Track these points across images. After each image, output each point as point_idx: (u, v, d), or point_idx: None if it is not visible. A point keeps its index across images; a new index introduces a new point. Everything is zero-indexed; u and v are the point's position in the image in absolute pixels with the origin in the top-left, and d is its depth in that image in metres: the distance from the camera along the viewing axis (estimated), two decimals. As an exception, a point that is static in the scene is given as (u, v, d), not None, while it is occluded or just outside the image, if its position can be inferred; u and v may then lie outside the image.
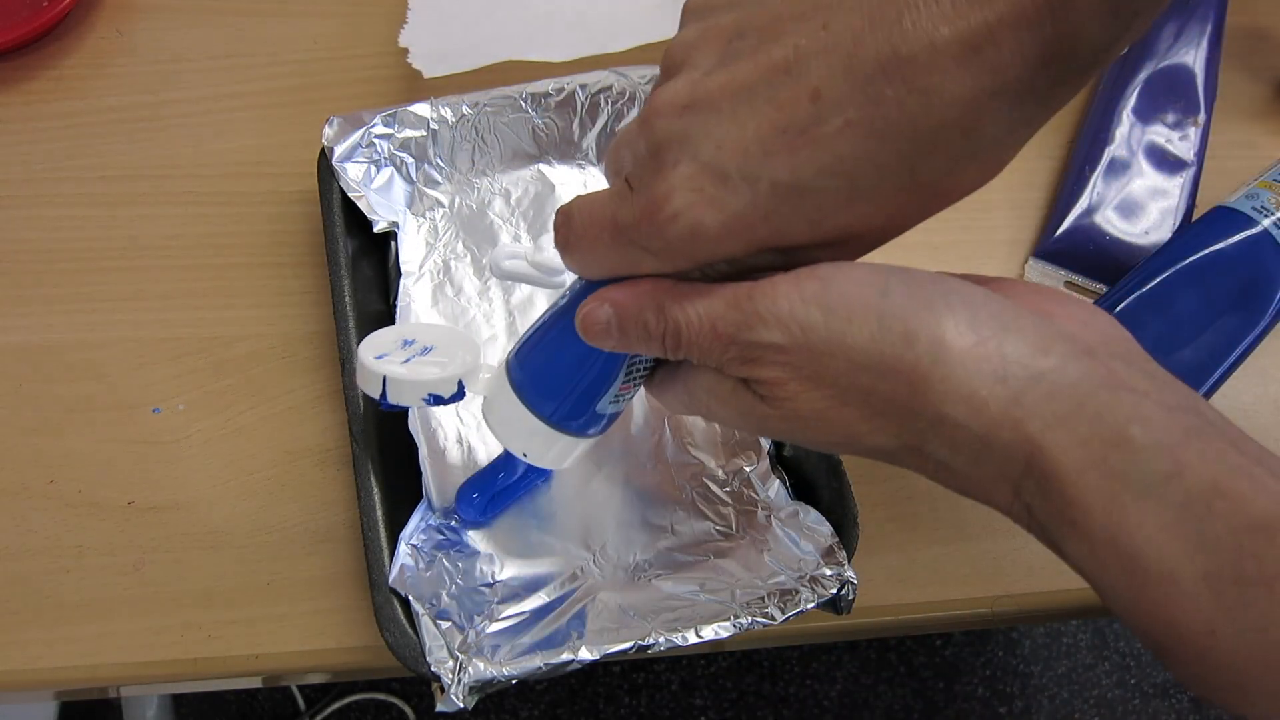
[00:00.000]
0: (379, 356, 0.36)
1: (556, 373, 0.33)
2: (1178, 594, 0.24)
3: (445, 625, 0.38)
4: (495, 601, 0.40)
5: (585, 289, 0.31)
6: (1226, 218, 0.49)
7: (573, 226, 0.29)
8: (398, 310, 0.47)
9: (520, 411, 0.34)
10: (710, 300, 0.28)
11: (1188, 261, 0.48)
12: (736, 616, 0.38)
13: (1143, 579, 0.24)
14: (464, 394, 0.35)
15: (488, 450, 0.44)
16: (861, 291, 0.26)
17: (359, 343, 0.36)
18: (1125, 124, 0.53)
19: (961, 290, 0.27)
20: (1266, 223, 0.48)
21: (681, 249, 0.27)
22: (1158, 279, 0.48)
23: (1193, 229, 0.50)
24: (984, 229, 0.54)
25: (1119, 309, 0.47)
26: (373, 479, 0.40)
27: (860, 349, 0.26)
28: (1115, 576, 0.25)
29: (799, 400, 0.28)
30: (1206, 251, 0.48)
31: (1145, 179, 0.52)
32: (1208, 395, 0.46)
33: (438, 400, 0.35)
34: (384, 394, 0.35)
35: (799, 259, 0.28)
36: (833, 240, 0.27)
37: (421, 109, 0.49)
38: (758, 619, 0.38)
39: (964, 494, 0.28)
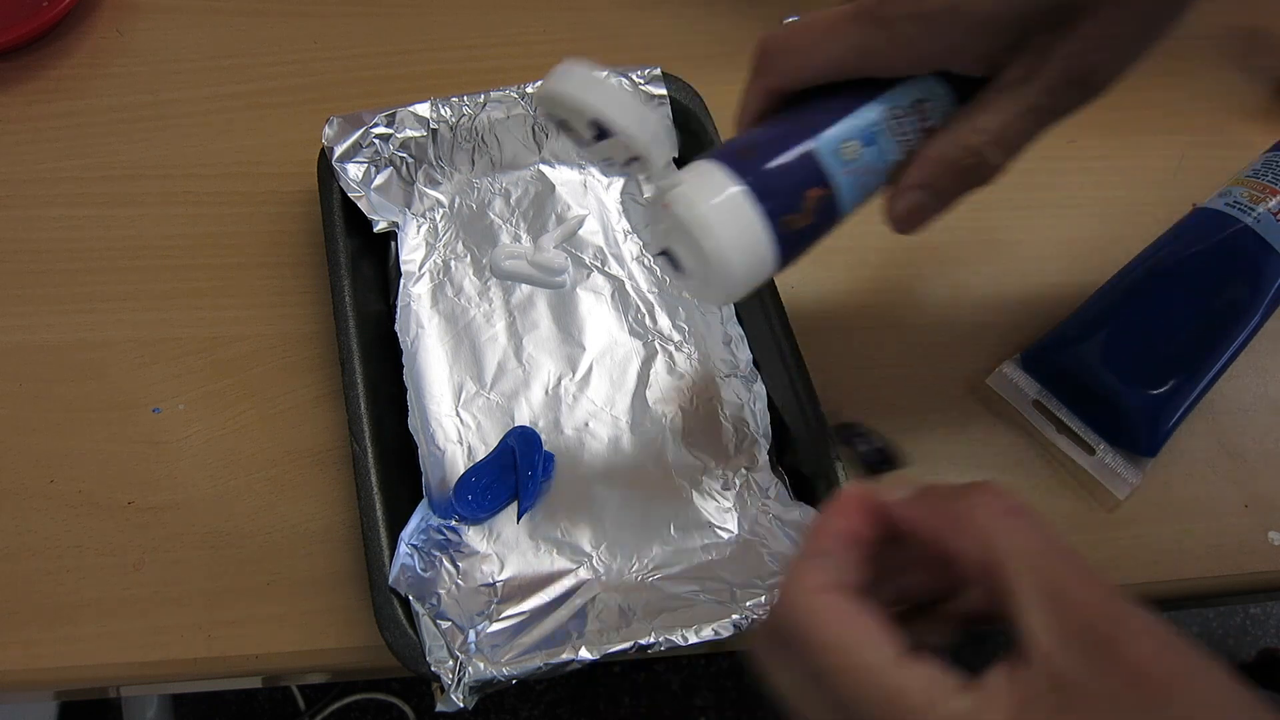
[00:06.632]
0: None
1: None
2: None
3: (445, 625, 0.38)
4: (495, 601, 0.40)
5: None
6: (1206, 218, 0.49)
7: (793, 27, 0.32)
8: (398, 310, 0.47)
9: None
10: None
11: (1174, 262, 0.48)
12: (736, 617, 0.38)
13: None
14: None
15: (487, 450, 0.44)
16: None
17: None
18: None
19: None
20: (1247, 219, 0.47)
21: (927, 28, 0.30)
22: (1145, 282, 0.48)
23: (1174, 231, 0.50)
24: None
25: (1111, 315, 0.47)
26: (373, 479, 0.40)
27: None
28: None
29: None
30: (1191, 252, 0.48)
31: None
32: (1203, 395, 0.46)
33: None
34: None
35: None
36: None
37: (421, 109, 0.49)
38: (758, 619, 0.38)
39: None
